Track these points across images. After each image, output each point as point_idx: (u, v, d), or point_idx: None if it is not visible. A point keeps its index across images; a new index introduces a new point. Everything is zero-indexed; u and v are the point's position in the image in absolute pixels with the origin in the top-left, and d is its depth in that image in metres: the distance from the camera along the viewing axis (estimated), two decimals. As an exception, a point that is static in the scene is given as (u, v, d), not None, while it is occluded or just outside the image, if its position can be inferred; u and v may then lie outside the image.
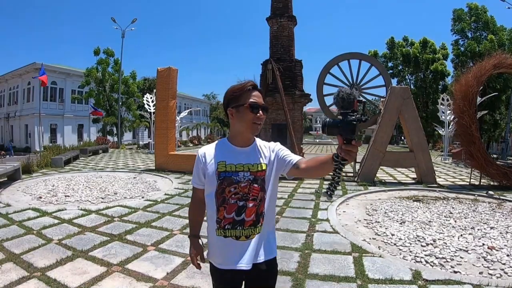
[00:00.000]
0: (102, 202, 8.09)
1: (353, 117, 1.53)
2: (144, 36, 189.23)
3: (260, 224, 2.00)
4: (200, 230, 2.26)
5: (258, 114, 1.95)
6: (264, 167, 2.02)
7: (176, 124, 21.62)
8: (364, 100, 1.60)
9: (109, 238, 5.42)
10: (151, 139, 27.86)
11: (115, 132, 36.49)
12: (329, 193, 1.83)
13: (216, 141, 2.15)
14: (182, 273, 4.14)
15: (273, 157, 2.06)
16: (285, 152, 2.08)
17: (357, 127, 1.54)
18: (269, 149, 2.09)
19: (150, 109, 25.06)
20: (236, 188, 1.95)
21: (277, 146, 2.13)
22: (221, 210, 1.96)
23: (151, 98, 25.03)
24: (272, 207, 2.10)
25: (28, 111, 36.26)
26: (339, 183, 1.81)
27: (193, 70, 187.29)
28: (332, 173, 1.74)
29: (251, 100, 1.95)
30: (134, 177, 12.16)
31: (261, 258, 2.01)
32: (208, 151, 2.06)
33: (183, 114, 32.73)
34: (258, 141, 2.12)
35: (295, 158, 2.02)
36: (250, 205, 1.96)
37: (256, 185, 1.98)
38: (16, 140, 38.47)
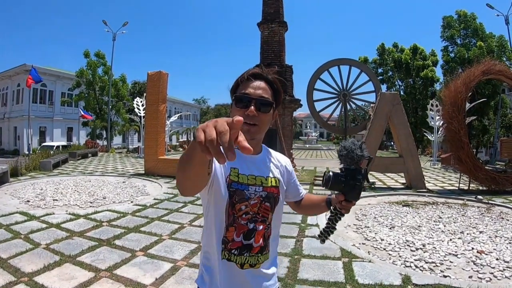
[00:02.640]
0: (90, 206, 8.02)
1: (360, 180, 1.46)
2: (135, 39, 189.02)
3: (266, 252, 1.63)
4: None
5: (247, 111, 1.49)
6: (277, 183, 1.66)
7: (166, 129, 21.55)
8: (372, 157, 1.53)
9: (97, 243, 5.37)
10: (141, 143, 27.72)
11: (104, 136, 36.29)
12: (322, 238, 1.72)
13: None
14: (171, 279, 4.11)
15: (286, 175, 1.74)
16: (296, 179, 1.81)
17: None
18: (282, 164, 1.75)
19: (140, 113, 24.94)
20: (247, 206, 1.55)
21: (291, 165, 1.81)
22: (231, 230, 1.55)
23: (141, 102, 24.91)
24: (277, 235, 1.72)
25: (17, 113, 35.90)
26: (333, 231, 1.68)
27: (183, 75, 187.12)
28: (327, 222, 1.66)
29: (240, 92, 1.54)
30: (123, 182, 12.08)
31: None
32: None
33: (173, 118, 32.65)
34: (269, 149, 1.74)
35: (303, 192, 1.83)
36: (260, 227, 1.58)
37: (267, 204, 1.60)
38: (4, 143, 38.09)
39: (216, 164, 1.47)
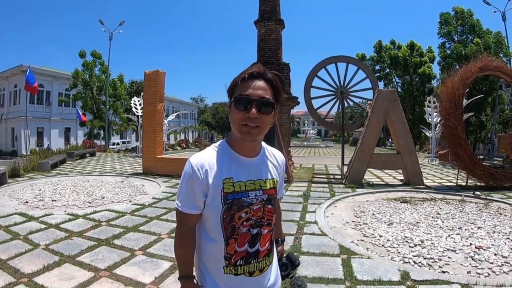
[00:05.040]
0: (89, 206, 8.02)
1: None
2: (132, 39, 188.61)
3: (273, 253, 1.66)
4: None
5: (248, 113, 1.44)
6: (275, 184, 1.65)
7: (164, 128, 21.51)
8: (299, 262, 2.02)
9: (96, 243, 5.37)
10: (139, 142, 27.67)
11: (102, 135, 36.22)
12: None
13: (214, 146, 1.61)
14: (170, 277, 4.11)
15: (281, 174, 1.74)
16: (282, 179, 1.79)
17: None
18: (279, 162, 1.73)
19: (137, 112, 24.89)
20: (248, 212, 1.52)
21: (284, 162, 1.79)
22: (231, 243, 1.51)
23: (138, 101, 24.85)
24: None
25: (14, 114, 35.81)
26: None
27: (180, 73, 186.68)
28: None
29: (240, 93, 1.47)
30: (122, 181, 12.07)
31: None
32: (207, 161, 1.52)
33: (171, 117, 32.63)
34: (266, 147, 1.72)
35: (282, 194, 1.83)
36: (265, 231, 1.57)
37: (270, 206, 1.59)
38: (2, 144, 37.98)
39: (211, 185, 1.50)
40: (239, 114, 1.46)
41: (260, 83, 1.49)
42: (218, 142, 1.63)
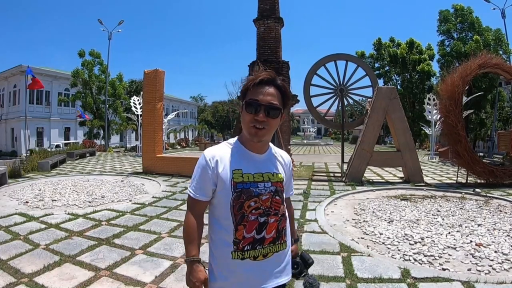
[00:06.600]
0: (89, 206, 8.01)
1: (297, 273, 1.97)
2: (131, 38, 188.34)
3: (279, 242, 1.76)
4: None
5: (257, 117, 1.63)
6: (283, 179, 1.82)
7: (164, 127, 21.51)
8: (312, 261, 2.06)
9: (96, 242, 5.36)
10: (138, 141, 27.66)
11: (102, 135, 36.19)
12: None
13: (227, 142, 1.81)
14: (170, 276, 4.11)
15: (288, 172, 1.90)
16: (291, 177, 1.99)
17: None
18: (285, 162, 1.91)
19: (137, 111, 24.84)
20: (257, 202, 1.68)
21: (291, 163, 1.98)
22: (240, 229, 1.66)
23: (138, 100, 24.82)
24: (287, 226, 1.88)
25: (14, 115, 35.83)
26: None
27: (180, 72, 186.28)
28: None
29: (251, 97, 1.66)
30: (122, 180, 12.07)
31: (282, 280, 1.79)
32: (219, 154, 1.72)
33: (171, 116, 32.60)
34: (274, 147, 1.89)
35: (292, 192, 2.05)
36: (272, 220, 1.71)
37: (278, 198, 1.75)
38: (2, 144, 37.97)
39: (220, 175, 1.69)
40: (249, 116, 1.66)
41: (270, 89, 1.68)
42: (231, 140, 1.83)
